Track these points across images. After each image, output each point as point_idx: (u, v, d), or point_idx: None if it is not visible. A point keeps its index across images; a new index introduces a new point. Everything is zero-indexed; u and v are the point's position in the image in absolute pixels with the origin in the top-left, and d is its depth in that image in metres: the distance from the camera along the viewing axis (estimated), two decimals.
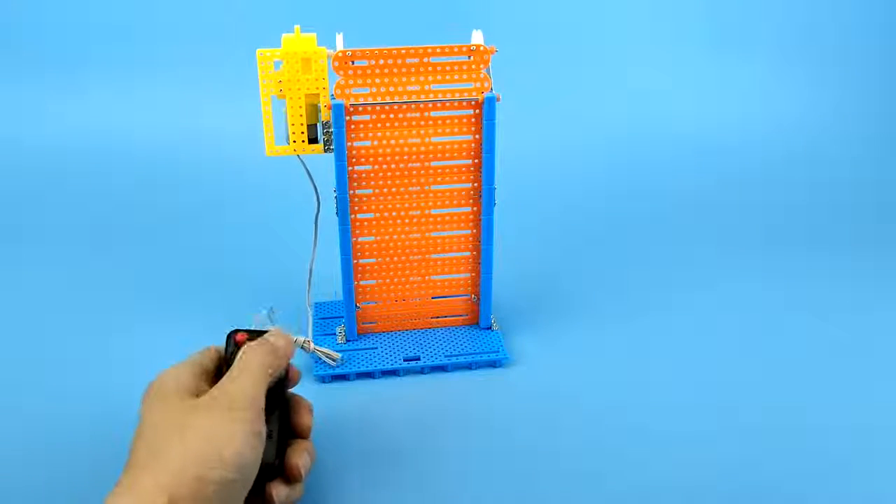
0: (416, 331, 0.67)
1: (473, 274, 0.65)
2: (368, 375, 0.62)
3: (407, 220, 0.62)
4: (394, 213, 0.61)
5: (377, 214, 0.61)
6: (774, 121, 1.09)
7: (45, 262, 0.79)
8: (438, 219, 0.62)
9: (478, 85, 0.58)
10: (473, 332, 0.67)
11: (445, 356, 0.64)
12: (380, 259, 0.63)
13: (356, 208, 0.61)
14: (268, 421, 0.45)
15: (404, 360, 0.63)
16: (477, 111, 0.59)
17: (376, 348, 0.64)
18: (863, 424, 0.57)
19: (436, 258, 0.64)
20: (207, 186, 0.95)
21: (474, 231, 0.63)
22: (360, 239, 0.62)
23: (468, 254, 0.64)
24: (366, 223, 0.62)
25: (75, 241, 0.84)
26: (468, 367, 0.63)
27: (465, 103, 0.58)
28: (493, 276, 0.65)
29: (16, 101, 1.05)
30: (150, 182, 0.96)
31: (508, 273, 0.72)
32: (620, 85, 1.10)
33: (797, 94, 1.12)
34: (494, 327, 0.67)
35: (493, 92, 0.58)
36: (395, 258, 0.63)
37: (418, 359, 0.63)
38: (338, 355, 0.62)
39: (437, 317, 0.67)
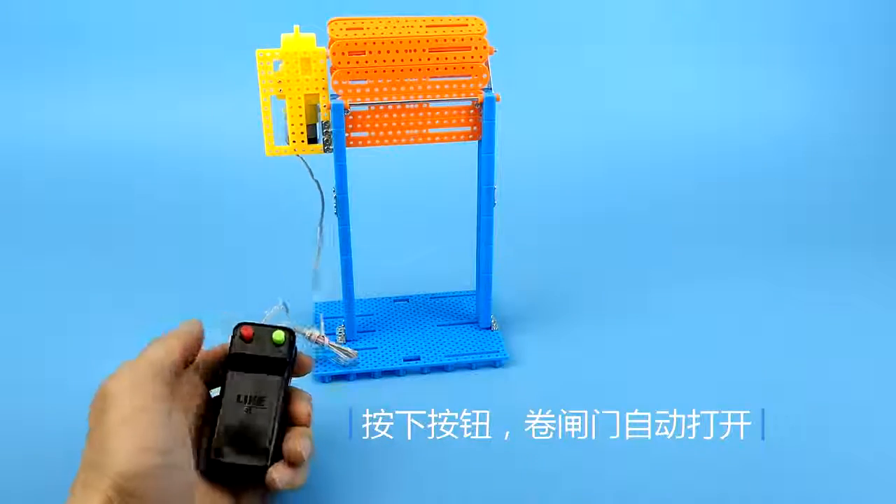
0: (416, 331, 0.67)
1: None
2: (368, 375, 0.62)
3: None
4: None
5: None
6: (775, 121, 1.09)
7: (44, 262, 0.79)
8: None
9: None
10: (473, 332, 0.67)
11: (445, 356, 0.64)
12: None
13: None
14: (265, 417, 0.45)
15: (404, 360, 0.63)
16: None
17: (376, 348, 0.64)
18: (863, 425, 0.57)
19: None
20: (207, 186, 0.95)
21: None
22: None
23: None
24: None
25: (75, 240, 0.84)
26: (468, 366, 0.63)
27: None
28: (493, 275, 0.65)
29: (15, 101, 1.05)
30: (149, 182, 0.96)
31: (508, 273, 0.71)
32: (621, 85, 1.10)
33: (798, 94, 1.12)
34: (494, 327, 0.67)
35: (493, 92, 0.58)
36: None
37: (418, 359, 0.63)
38: (354, 352, 0.62)
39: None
